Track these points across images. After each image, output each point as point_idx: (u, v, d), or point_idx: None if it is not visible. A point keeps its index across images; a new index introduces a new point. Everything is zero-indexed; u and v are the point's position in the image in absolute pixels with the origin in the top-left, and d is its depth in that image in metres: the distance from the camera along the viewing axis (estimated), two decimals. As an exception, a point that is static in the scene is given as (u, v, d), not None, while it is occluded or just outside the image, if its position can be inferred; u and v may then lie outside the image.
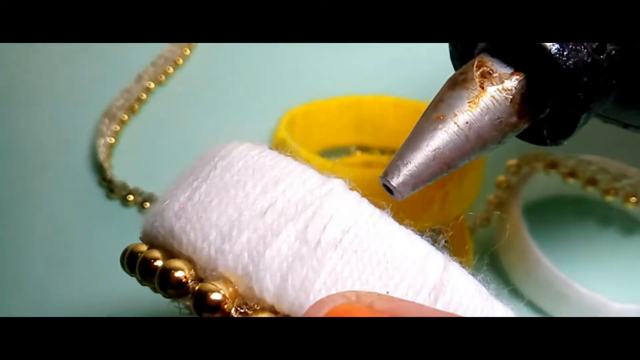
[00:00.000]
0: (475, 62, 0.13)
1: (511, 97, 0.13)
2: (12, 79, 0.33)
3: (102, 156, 0.29)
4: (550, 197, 0.27)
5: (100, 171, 0.29)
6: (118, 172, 0.29)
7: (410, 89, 0.28)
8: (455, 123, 0.13)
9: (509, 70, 0.13)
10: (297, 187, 0.14)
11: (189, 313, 0.18)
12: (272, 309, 0.13)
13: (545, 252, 0.23)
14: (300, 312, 0.13)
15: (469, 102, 0.13)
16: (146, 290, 0.27)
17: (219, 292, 0.13)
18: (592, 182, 0.25)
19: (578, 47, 0.13)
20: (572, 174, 0.25)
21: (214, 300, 0.13)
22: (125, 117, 0.31)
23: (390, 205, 0.21)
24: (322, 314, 0.12)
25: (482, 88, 0.13)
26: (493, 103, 0.13)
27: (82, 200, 0.28)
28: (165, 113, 0.32)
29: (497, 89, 0.13)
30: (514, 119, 0.13)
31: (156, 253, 0.14)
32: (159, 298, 0.26)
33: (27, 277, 0.26)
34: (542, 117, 0.14)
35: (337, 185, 0.14)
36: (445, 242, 0.25)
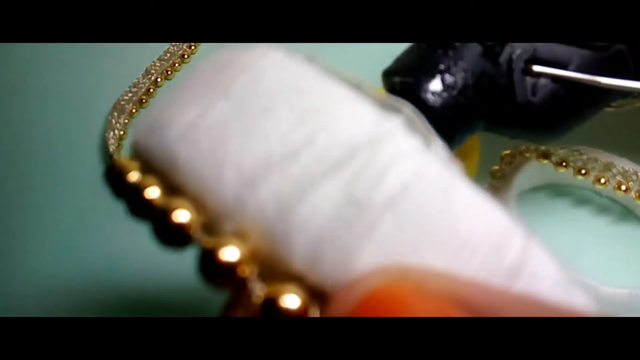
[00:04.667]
0: None
1: None
2: (24, 74, 0.34)
3: (112, 148, 0.30)
4: (543, 185, 0.27)
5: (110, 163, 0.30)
6: (127, 164, 0.30)
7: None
8: None
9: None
10: (346, 122, 0.11)
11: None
12: (299, 279, 0.10)
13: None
14: (334, 287, 0.10)
15: None
16: (162, 275, 0.27)
17: (234, 248, 0.10)
18: (583, 171, 0.26)
19: (444, 93, 0.18)
20: (563, 163, 0.26)
21: (227, 261, 0.10)
22: (134, 110, 0.32)
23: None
24: (354, 298, 0.10)
25: None
26: None
27: (93, 191, 0.29)
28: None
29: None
30: None
31: (152, 180, 0.11)
32: (173, 281, 0.27)
33: (38, 268, 0.27)
34: None
35: (398, 126, 0.11)
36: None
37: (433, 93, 0.18)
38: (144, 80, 0.33)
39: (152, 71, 0.34)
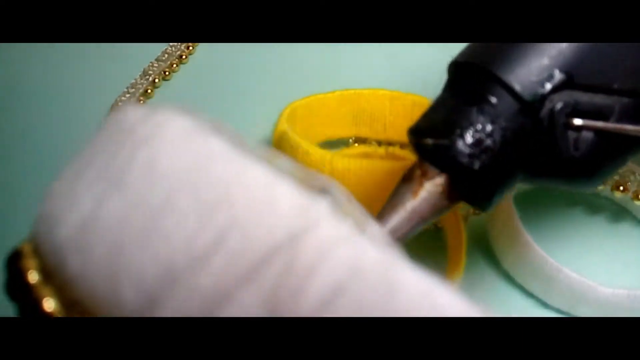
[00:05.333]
0: (417, 164, 0.19)
1: (441, 188, 0.18)
2: (21, 75, 0.34)
3: (109, 149, 0.30)
4: (541, 186, 0.27)
5: (108, 164, 0.30)
6: (125, 165, 0.30)
7: (406, 83, 0.29)
8: (404, 210, 0.18)
9: (437, 171, 0.18)
10: (261, 213, 0.09)
11: None
12: None
13: (536, 239, 0.24)
14: None
15: (412, 194, 0.18)
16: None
17: None
18: (581, 171, 0.26)
19: (482, 154, 0.18)
20: (562, 163, 0.26)
21: None
22: (132, 111, 0.32)
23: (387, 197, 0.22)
24: None
25: (421, 184, 0.18)
26: (429, 194, 0.18)
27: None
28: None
29: (430, 183, 0.18)
30: (445, 202, 0.18)
31: (48, 291, 0.10)
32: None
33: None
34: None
35: (324, 211, 0.10)
36: (438, 225, 0.26)
37: (471, 155, 0.18)
38: (142, 81, 0.33)
39: (150, 72, 0.34)
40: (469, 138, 0.18)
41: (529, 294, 0.25)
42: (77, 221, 0.10)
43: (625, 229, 0.27)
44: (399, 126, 0.27)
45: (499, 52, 0.18)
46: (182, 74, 0.34)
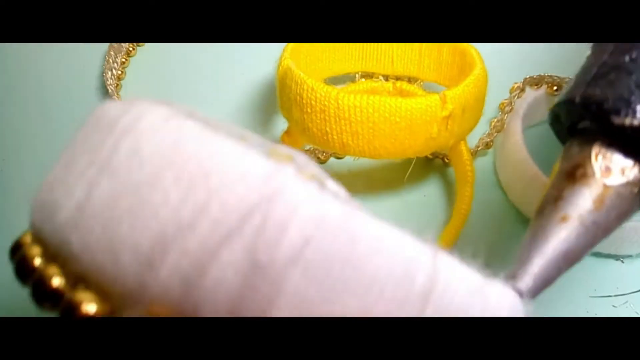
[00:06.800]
0: (593, 156, 0.13)
1: (637, 189, 0.13)
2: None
3: (110, 88, 0.29)
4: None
5: (110, 104, 0.29)
6: (127, 105, 0.29)
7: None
8: (582, 224, 0.13)
9: (630, 163, 0.13)
10: (236, 182, 0.11)
11: None
12: None
13: (545, 172, 0.24)
14: None
15: (594, 201, 0.13)
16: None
17: None
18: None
19: None
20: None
21: None
22: (131, 49, 0.31)
23: (395, 140, 0.21)
24: None
25: (606, 185, 0.13)
26: (619, 199, 0.13)
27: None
28: (170, 43, 0.32)
29: (621, 183, 0.13)
30: (638, 206, 0.13)
31: (54, 269, 0.11)
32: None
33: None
34: None
35: (290, 176, 0.11)
36: (446, 160, 0.25)
37: None
38: (140, 17, 0.32)
39: (148, 7, 0.32)
40: None
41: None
42: (74, 205, 0.11)
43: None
44: (407, 59, 0.27)
45: None
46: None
